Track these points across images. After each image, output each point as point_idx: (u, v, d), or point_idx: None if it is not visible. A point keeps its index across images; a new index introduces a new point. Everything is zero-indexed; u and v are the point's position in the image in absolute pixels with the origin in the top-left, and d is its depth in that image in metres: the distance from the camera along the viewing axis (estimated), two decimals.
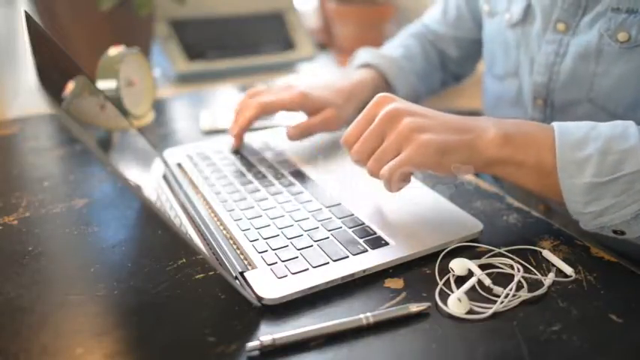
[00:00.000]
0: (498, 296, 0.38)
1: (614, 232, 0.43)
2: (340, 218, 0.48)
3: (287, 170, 0.58)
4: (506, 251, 0.44)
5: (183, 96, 0.92)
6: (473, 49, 0.77)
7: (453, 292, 0.39)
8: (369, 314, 0.36)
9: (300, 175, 0.57)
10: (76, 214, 0.51)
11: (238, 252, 0.44)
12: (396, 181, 0.45)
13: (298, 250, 0.43)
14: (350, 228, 0.46)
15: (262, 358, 0.34)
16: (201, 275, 0.42)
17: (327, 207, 0.50)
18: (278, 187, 0.54)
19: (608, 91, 0.53)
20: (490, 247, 0.44)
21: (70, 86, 0.42)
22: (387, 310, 0.37)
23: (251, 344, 0.34)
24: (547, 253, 0.44)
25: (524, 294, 0.39)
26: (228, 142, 0.66)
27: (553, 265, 0.43)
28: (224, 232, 0.47)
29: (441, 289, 0.40)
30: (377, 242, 0.44)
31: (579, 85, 0.55)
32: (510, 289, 0.39)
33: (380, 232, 0.45)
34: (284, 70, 1.18)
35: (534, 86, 0.59)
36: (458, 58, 0.78)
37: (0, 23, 0.92)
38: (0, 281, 0.41)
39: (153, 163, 0.56)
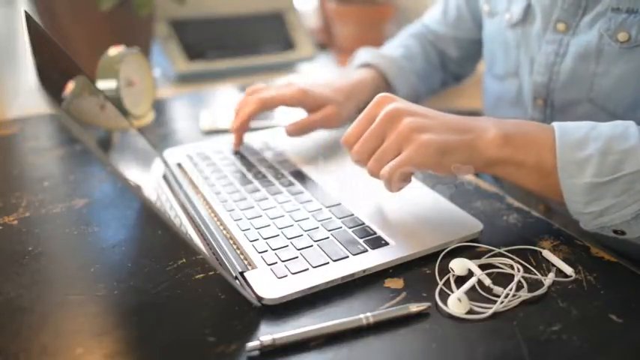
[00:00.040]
0: (498, 296, 0.38)
1: (615, 232, 0.43)
2: (340, 218, 0.48)
3: (287, 170, 0.58)
4: (506, 251, 0.44)
5: (183, 96, 0.92)
6: (473, 49, 0.77)
7: (453, 292, 0.39)
8: (369, 314, 0.36)
9: (300, 175, 0.57)
10: (76, 214, 0.51)
11: (238, 252, 0.44)
12: (397, 181, 0.45)
13: (298, 250, 0.43)
14: (350, 228, 0.46)
15: (262, 358, 0.34)
16: (201, 275, 0.42)
17: (327, 207, 0.50)
18: (278, 187, 0.54)
19: (608, 91, 0.53)
20: (490, 247, 0.44)
21: (70, 86, 0.42)
22: (387, 310, 0.37)
23: (251, 344, 0.34)
24: (547, 253, 0.44)
25: (524, 294, 0.39)
26: (228, 142, 0.66)
27: (553, 265, 0.43)
28: (224, 232, 0.47)
29: (441, 289, 0.40)
30: (377, 242, 0.44)
31: (579, 85, 0.55)
32: (510, 289, 0.39)
33: (380, 232, 0.45)
34: (284, 70, 1.18)
35: (534, 86, 0.59)
36: (458, 59, 0.78)
37: (0, 23, 0.92)
38: (0, 281, 0.41)
39: (153, 163, 0.56)
